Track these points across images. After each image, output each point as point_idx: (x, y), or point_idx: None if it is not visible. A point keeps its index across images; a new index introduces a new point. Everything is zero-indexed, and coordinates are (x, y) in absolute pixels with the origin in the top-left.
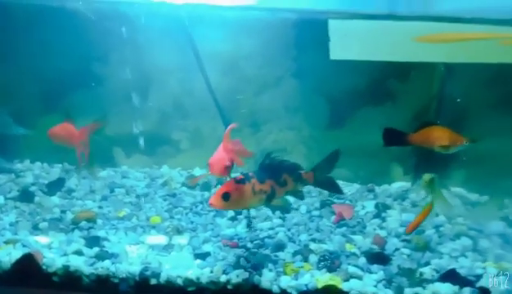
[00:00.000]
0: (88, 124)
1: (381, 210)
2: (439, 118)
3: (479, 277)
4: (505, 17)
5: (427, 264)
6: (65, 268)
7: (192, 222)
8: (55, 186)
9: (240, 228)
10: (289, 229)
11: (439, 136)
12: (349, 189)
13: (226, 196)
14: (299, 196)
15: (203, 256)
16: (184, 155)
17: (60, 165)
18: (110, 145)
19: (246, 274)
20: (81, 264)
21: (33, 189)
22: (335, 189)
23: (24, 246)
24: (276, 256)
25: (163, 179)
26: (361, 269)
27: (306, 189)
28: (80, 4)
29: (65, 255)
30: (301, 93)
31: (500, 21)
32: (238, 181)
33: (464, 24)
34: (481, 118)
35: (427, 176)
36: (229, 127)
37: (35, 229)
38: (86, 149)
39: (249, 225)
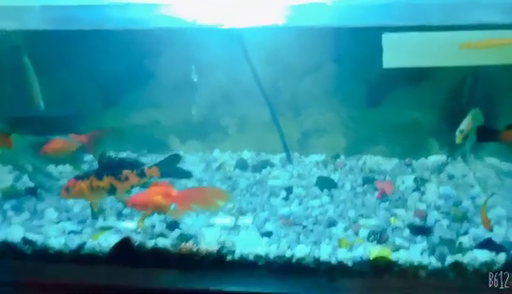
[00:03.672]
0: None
1: (420, 184)
2: (473, 98)
3: None
4: None
5: (465, 233)
6: (155, 249)
7: (251, 203)
8: None
9: (294, 206)
10: (337, 206)
11: None
12: (388, 163)
13: (67, 189)
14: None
15: (267, 234)
16: (232, 139)
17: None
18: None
19: (307, 249)
20: (167, 245)
21: None
22: (183, 175)
23: (117, 231)
24: (329, 231)
25: (217, 163)
26: (407, 240)
27: (348, 165)
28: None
29: (152, 238)
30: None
31: None
32: (77, 178)
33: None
34: None
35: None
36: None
37: (120, 215)
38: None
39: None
